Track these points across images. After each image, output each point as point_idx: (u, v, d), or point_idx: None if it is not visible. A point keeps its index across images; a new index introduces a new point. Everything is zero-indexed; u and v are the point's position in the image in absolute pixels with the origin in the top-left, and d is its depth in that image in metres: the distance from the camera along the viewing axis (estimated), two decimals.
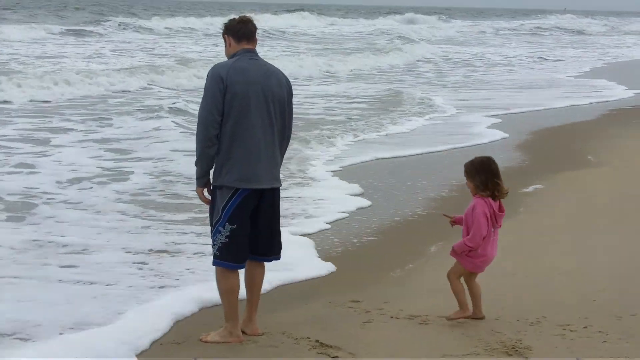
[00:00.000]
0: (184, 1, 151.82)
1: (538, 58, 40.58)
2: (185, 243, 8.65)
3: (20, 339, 6.07)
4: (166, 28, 54.29)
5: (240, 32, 6.08)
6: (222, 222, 5.94)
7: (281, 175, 6.23)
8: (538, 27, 77.51)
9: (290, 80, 6.27)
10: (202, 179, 6.06)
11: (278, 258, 6.28)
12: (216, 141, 5.91)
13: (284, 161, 6.32)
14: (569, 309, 6.67)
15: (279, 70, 6.18)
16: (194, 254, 8.27)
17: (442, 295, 6.77)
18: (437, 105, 20.89)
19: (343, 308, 6.82)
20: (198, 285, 7.18)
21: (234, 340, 6.02)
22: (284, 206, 7.14)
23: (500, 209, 6.50)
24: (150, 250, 8.37)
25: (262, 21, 56.41)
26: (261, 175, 5.94)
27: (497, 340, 6.07)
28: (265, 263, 6.25)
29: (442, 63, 37.11)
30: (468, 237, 6.45)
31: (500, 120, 18.39)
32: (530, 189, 11.17)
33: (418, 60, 37.42)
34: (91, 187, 11.06)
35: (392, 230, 9.45)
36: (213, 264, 6.06)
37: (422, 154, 14.38)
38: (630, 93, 24.43)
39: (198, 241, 8.65)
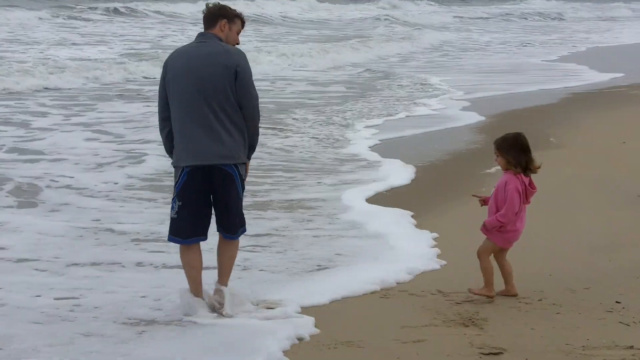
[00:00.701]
0: None
1: (521, 44, 40.61)
2: None
3: None
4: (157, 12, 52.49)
5: (203, 20, 6.41)
6: (174, 199, 6.23)
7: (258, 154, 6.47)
8: (521, 13, 77.63)
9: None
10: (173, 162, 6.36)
11: (232, 237, 6.35)
12: (165, 124, 6.29)
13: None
14: (525, 283, 6.89)
15: (228, 51, 6.22)
16: None
17: None
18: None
19: None
20: None
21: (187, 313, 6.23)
22: None
23: (532, 185, 6.61)
24: None
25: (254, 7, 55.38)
26: (202, 152, 6.09)
27: (455, 313, 6.31)
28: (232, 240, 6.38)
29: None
30: (501, 212, 6.52)
31: (469, 104, 18.63)
32: (493, 170, 11.42)
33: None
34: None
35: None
36: (168, 240, 6.39)
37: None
38: (599, 77, 24.72)
39: None
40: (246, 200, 6.79)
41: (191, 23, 43.03)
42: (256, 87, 6.34)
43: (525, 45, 38.92)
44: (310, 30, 43.41)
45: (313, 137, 14.17)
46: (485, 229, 6.65)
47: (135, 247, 8.09)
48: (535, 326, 6.06)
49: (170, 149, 6.31)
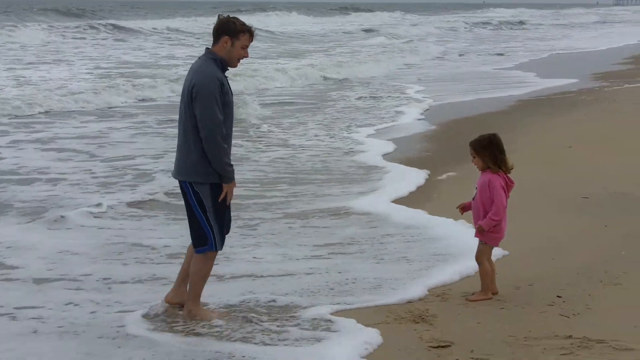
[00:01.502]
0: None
1: (480, 52, 41.21)
2: None
3: None
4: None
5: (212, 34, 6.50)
6: None
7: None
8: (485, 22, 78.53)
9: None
10: None
11: (196, 251, 6.50)
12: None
13: None
14: (473, 281, 7.29)
15: (200, 66, 6.30)
16: None
17: None
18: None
19: None
20: None
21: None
22: None
23: (510, 180, 6.88)
24: None
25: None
26: (175, 167, 6.46)
27: (406, 310, 6.69)
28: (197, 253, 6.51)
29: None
30: (492, 211, 6.74)
31: (422, 110, 19.28)
32: (444, 176, 11.88)
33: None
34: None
35: None
36: None
37: None
38: (551, 83, 25.36)
39: None
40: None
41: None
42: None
43: (481, 55, 39.65)
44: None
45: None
46: (481, 232, 6.85)
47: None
48: (481, 320, 6.46)
49: None
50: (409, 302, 6.88)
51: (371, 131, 16.44)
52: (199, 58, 6.42)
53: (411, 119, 18.23)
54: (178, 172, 6.41)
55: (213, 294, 6.95)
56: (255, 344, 6.05)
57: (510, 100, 21.18)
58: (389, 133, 16.23)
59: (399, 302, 6.86)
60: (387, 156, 13.71)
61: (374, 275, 7.55)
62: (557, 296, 6.92)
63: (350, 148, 14.55)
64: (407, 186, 11.30)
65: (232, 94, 6.40)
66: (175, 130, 6.64)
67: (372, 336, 6.11)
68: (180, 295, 6.70)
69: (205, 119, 6.17)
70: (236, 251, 8.34)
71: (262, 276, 7.61)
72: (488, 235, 6.88)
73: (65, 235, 9.09)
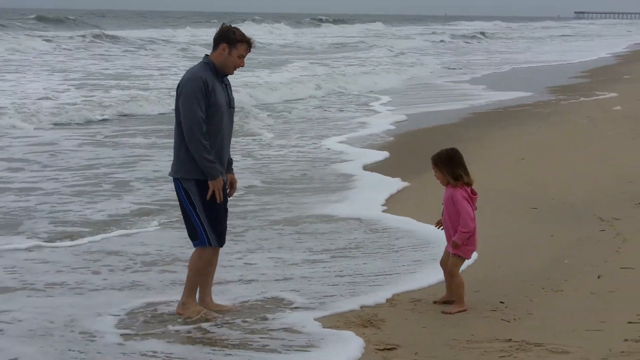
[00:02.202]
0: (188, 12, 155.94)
1: (442, 65, 41.62)
2: None
3: None
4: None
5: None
6: None
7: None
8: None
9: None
10: None
11: (193, 244, 6.94)
12: None
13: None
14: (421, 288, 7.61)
15: (191, 68, 6.83)
16: None
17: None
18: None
19: None
20: None
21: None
22: None
23: (473, 192, 7.08)
24: None
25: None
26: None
27: (356, 315, 6.97)
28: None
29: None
30: (460, 225, 6.92)
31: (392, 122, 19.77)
32: (400, 186, 12.23)
33: None
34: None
35: None
36: None
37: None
38: (508, 96, 25.85)
39: None
40: None
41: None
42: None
43: (449, 68, 40.16)
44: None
45: None
46: (456, 247, 7.03)
47: None
48: (426, 325, 6.75)
49: None
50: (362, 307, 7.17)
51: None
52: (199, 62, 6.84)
53: (372, 130, 18.58)
54: (171, 169, 6.82)
55: None
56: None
57: (465, 113, 21.61)
58: (352, 141, 16.64)
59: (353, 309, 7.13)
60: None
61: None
62: (500, 302, 7.23)
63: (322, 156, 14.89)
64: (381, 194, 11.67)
65: (226, 98, 6.78)
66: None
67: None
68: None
69: (186, 115, 6.58)
70: None
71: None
72: (463, 249, 7.09)
73: None
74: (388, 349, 6.22)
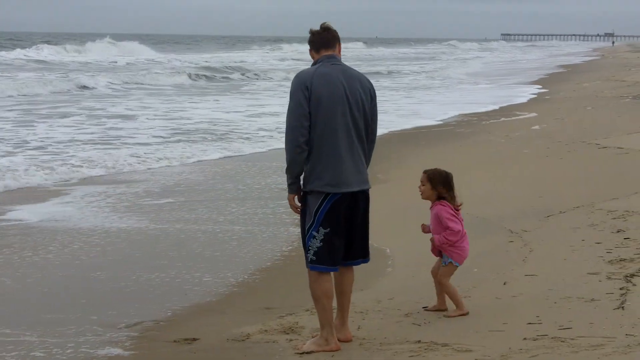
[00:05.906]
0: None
1: None
2: None
3: None
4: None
5: (317, 41, 6.37)
6: (316, 227, 6.26)
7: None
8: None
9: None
10: (293, 186, 6.31)
11: (367, 260, 6.72)
12: (306, 147, 6.12)
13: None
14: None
15: (362, 74, 6.44)
16: None
17: None
18: None
19: None
20: None
21: (331, 348, 6.54)
22: None
23: (456, 207, 7.46)
24: None
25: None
26: (349, 178, 6.23)
27: (278, 324, 7.46)
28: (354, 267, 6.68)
29: None
30: (447, 233, 7.29)
31: None
32: None
33: None
34: None
35: None
36: (311, 269, 6.40)
37: None
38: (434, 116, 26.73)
39: None
40: None
41: None
42: None
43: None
44: None
45: None
46: (438, 247, 7.41)
47: None
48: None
49: (300, 173, 6.28)
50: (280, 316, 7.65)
51: None
52: (337, 64, 6.31)
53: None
54: (364, 182, 6.48)
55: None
56: None
57: (384, 132, 22.25)
58: None
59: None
60: None
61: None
62: (413, 308, 7.77)
63: None
64: None
65: None
66: None
67: None
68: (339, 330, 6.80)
69: (375, 123, 6.50)
70: None
71: None
72: (452, 252, 7.46)
73: None
74: (307, 353, 6.72)
